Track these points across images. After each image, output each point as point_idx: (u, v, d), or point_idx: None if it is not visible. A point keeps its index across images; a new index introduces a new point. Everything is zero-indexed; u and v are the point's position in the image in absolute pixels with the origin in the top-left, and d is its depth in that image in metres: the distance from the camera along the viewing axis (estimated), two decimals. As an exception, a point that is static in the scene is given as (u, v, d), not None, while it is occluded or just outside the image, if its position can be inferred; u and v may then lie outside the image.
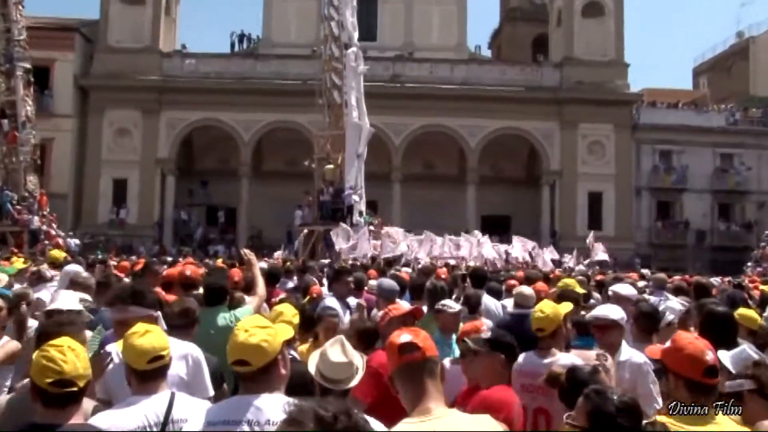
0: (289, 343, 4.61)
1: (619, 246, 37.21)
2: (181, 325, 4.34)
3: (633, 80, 76.24)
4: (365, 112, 27.56)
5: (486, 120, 39.70)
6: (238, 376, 2.84)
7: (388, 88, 38.03)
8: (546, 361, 4.42)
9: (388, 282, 7.46)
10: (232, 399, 2.95)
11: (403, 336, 2.74)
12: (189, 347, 3.98)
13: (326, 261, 17.92)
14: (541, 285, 8.31)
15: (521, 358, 4.46)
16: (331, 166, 27.85)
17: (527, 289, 7.63)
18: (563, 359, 4.37)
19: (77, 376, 2.76)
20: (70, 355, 2.77)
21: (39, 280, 8.45)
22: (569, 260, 25.97)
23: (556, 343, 4.60)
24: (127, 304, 3.90)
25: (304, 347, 5.49)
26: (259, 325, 2.84)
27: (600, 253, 25.95)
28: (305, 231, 27.64)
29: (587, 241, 26.93)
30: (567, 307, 4.95)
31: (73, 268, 7.34)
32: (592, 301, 8.10)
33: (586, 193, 40.24)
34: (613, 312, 4.98)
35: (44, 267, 9.52)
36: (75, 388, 2.76)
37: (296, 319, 4.78)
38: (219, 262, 15.92)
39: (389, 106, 37.09)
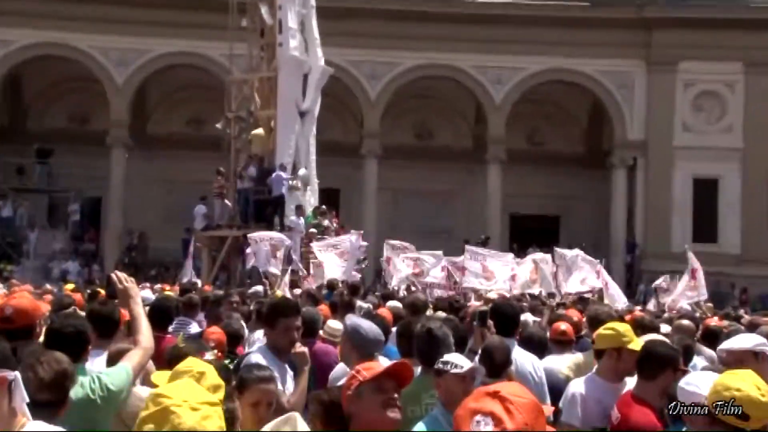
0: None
1: (749, 272, 37.52)
2: (49, 401, 4.32)
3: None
4: (317, 41, 27.56)
5: (521, 57, 39.94)
6: None
7: (358, 2, 38.16)
8: None
9: (370, 327, 7.47)
10: None
11: (478, 422, 2.78)
12: None
13: (259, 289, 18.08)
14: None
15: None
16: (261, 132, 27.85)
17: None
18: None
19: None
20: None
21: None
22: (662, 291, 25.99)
23: None
24: None
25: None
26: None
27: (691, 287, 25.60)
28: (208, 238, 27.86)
29: (690, 262, 26.53)
30: None
31: None
32: (695, 360, 8.19)
33: (689, 181, 40.69)
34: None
35: None
36: None
37: (207, 380, 4.81)
38: (68, 289, 15.90)
39: (360, 33, 37.24)
